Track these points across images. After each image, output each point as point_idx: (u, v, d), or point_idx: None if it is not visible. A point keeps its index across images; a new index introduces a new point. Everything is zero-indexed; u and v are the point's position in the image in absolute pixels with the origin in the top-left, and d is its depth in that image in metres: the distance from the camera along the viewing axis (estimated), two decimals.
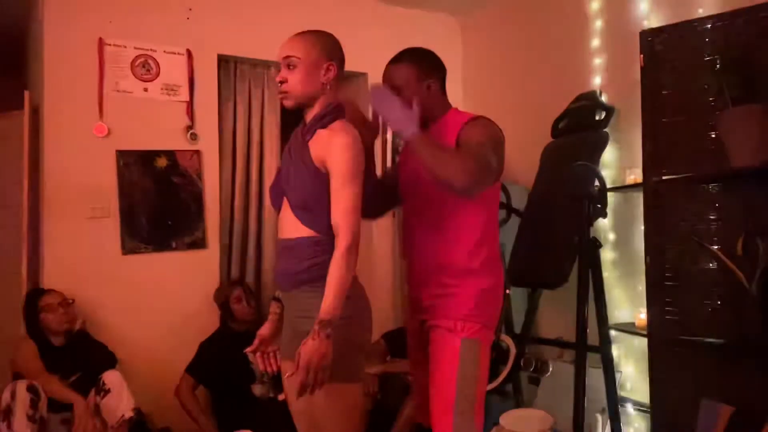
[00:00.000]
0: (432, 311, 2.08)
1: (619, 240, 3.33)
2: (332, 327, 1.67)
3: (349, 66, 2.02)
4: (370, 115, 2.19)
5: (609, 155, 3.35)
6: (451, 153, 1.93)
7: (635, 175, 2.98)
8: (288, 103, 1.90)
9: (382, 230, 4.12)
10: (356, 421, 1.88)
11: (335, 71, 1.89)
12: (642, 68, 2.66)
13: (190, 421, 3.27)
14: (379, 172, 4.09)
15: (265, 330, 2.03)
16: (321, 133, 1.86)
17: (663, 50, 2.61)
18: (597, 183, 3.11)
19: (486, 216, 2.11)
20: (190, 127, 3.57)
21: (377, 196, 2.23)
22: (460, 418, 1.96)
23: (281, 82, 1.88)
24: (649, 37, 2.64)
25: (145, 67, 3.48)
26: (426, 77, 2.11)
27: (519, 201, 3.56)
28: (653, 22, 3.06)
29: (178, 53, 3.57)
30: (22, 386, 2.68)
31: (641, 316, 2.84)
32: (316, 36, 1.90)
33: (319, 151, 1.84)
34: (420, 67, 2.11)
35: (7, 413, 2.62)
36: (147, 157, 3.46)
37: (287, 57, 1.86)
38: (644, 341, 2.75)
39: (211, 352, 3.37)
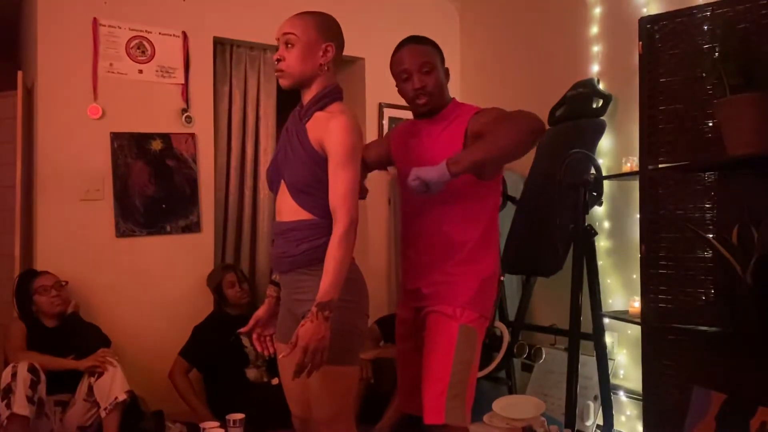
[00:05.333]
0: (432, 298, 2.09)
1: (614, 228, 3.33)
2: (331, 309, 1.67)
3: (347, 50, 2.00)
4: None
5: (606, 143, 3.34)
6: (498, 131, 1.95)
7: (631, 163, 2.98)
8: (284, 83, 1.88)
9: (377, 215, 4.11)
10: (350, 404, 1.88)
11: (333, 52, 1.87)
12: (640, 56, 2.64)
13: (183, 404, 3.28)
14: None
15: (261, 312, 2.03)
16: (319, 116, 1.85)
17: (662, 38, 2.59)
18: (593, 171, 3.11)
19: (492, 206, 2.14)
20: (185, 110, 3.55)
21: None
22: (453, 401, 1.97)
23: (278, 60, 1.86)
24: (648, 24, 2.63)
25: (140, 49, 3.45)
26: (444, 62, 2.17)
27: (515, 188, 3.56)
28: (652, 9, 3.05)
29: (174, 35, 3.53)
30: (23, 366, 2.67)
31: (635, 304, 2.85)
32: (316, 16, 1.89)
33: (316, 133, 1.82)
34: (441, 51, 2.17)
35: (7, 392, 2.62)
36: (141, 139, 3.44)
37: (286, 34, 1.85)
38: (637, 329, 2.75)
39: (205, 335, 3.37)
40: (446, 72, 2.16)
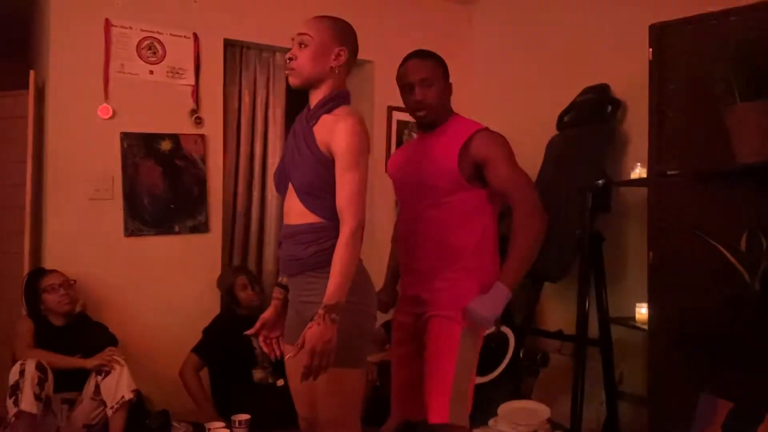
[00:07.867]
0: (432, 303, 2.11)
1: (622, 234, 3.32)
2: (338, 312, 1.68)
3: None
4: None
5: (614, 149, 3.34)
6: (519, 234, 2.05)
7: (640, 170, 2.97)
8: (294, 81, 1.91)
9: (383, 219, 4.10)
10: (356, 406, 1.89)
11: (345, 57, 1.89)
12: (650, 62, 2.64)
13: (188, 404, 3.28)
14: (382, 163, 4.08)
15: (267, 314, 2.04)
16: (326, 119, 1.87)
17: (672, 44, 2.59)
18: (601, 177, 3.10)
19: (489, 212, 2.16)
20: (194, 111, 3.56)
21: None
22: (456, 402, 2.01)
23: (290, 59, 1.88)
24: (658, 31, 2.63)
25: (151, 50, 3.47)
26: (448, 77, 2.23)
27: None
28: (663, 15, 3.04)
29: (185, 36, 3.55)
30: (31, 364, 2.69)
31: (642, 311, 2.84)
32: (332, 20, 1.92)
33: (324, 136, 1.84)
34: (444, 67, 2.24)
35: (15, 390, 2.64)
36: (151, 139, 3.46)
37: (301, 34, 1.88)
38: (644, 335, 2.75)
39: (217, 335, 3.37)
40: (449, 86, 2.23)
